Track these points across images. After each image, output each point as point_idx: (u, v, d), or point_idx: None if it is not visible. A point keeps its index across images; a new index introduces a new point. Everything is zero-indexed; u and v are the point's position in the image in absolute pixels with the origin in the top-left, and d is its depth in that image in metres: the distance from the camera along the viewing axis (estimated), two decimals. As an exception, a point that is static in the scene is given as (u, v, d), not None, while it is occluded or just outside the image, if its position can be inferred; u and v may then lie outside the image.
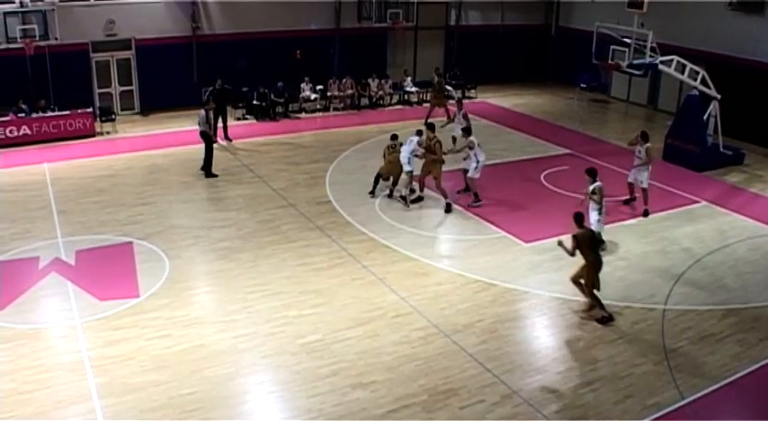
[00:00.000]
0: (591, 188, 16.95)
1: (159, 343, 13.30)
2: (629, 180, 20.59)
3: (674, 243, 18.61)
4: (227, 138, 26.35)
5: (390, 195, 20.96)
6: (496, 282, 16.10)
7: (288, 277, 16.07)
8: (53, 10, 26.33)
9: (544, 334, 14.44)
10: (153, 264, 16.44)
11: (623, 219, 19.87)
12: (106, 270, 16.20)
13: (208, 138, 22.75)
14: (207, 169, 22.68)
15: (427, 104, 30.98)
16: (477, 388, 12.28)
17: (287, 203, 20.40)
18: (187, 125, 28.26)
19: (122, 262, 16.56)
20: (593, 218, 16.90)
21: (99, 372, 12.32)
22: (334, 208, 20.18)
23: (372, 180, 21.02)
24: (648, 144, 20.04)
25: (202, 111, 22.88)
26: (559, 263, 16.94)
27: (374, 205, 20.21)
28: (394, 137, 21.25)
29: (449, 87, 31.56)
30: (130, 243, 17.53)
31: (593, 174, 17.12)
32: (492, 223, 19.32)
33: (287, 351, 13.18)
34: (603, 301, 14.64)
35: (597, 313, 14.60)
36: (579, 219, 14.55)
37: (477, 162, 20.33)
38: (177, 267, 16.37)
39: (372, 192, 21.00)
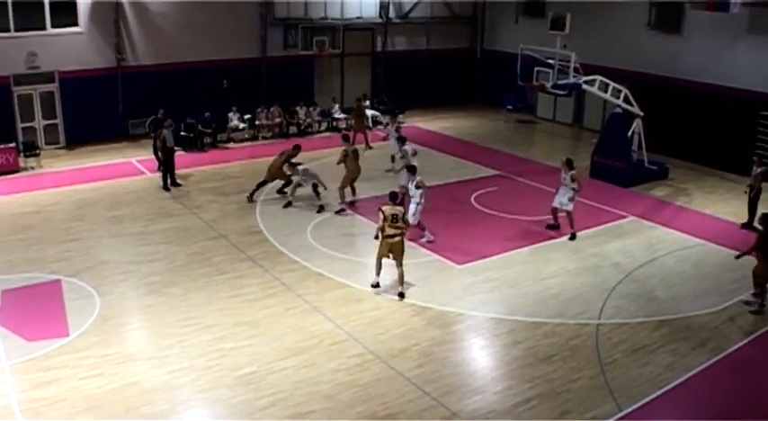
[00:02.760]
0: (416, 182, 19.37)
1: (92, 382, 12.95)
2: (554, 204, 20.23)
3: (604, 258, 18.92)
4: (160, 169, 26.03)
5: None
6: (431, 305, 16.11)
7: (221, 309, 15.84)
8: (-29, 43, 25.79)
9: (480, 354, 14.50)
10: (83, 302, 16.03)
11: (553, 238, 20.13)
12: (34, 309, 15.73)
13: (171, 154, 24.43)
14: (171, 180, 24.47)
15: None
16: (417, 411, 12.24)
17: (217, 234, 20.17)
18: (114, 158, 27.87)
19: (51, 300, 16.12)
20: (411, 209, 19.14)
21: (30, 416, 11.95)
22: (266, 237, 20.00)
23: (304, 210, 20.90)
24: (573, 171, 19.86)
25: (166, 131, 24.35)
26: (493, 283, 17.14)
27: (306, 233, 20.09)
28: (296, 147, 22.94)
29: (374, 112, 31.75)
30: (59, 280, 17.11)
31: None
32: (423, 247, 19.36)
33: (223, 384, 12.97)
34: (538, 319, 15.23)
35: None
36: (393, 197, 17.50)
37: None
38: (108, 304, 16.00)
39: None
